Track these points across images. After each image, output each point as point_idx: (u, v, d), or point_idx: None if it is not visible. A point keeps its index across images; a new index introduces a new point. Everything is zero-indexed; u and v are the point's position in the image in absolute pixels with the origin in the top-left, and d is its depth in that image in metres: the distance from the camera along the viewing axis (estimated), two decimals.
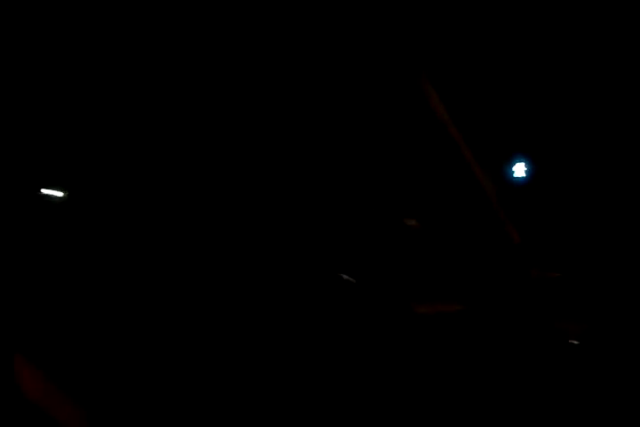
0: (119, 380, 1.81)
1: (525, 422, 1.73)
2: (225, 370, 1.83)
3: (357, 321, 1.91)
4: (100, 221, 1.93)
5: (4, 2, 1.99)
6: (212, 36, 2.05)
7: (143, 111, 2.02)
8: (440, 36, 2.08)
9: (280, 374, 1.81)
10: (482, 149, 1.98)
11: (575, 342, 1.79)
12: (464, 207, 1.94)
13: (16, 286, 1.85)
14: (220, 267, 1.91)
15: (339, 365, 1.85)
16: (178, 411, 1.81)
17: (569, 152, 2.03)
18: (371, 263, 2.00)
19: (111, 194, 1.98)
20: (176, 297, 1.87)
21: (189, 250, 1.93)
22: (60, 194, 1.93)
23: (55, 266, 1.92)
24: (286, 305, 1.89)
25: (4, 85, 1.98)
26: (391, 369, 1.86)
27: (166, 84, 2.03)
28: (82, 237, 1.92)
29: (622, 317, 1.78)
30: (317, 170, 2.04)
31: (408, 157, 2.03)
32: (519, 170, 2.07)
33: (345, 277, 1.91)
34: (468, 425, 1.78)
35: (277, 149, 2.04)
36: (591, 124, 2.08)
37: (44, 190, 1.95)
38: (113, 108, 2.02)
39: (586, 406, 1.75)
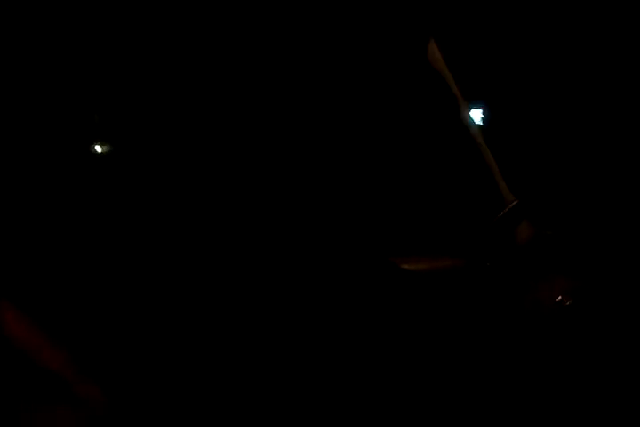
0: (108, 327, 1.80)
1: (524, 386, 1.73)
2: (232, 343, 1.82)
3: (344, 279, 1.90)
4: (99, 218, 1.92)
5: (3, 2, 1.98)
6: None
7: (142, 111, 2.01)
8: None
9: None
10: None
11: (565, 299, 1.78)
12: (457, 161, 1.92)
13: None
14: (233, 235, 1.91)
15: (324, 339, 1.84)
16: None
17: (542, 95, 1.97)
18: (356, 216, 1.98)
19: (109, 193, 1.97)
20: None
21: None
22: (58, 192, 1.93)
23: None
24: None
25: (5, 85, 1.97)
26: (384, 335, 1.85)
27: (166, 83, 2.01)
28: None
29: (616, 275, 1.76)
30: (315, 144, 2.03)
31: (407, 119, 2.00)
32: (478, 117, 1.93)
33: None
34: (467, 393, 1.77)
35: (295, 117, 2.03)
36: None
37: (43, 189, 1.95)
38: (112, 108, 2.01)
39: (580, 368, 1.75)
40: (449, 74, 1.98)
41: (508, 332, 1.82)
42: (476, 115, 1.97)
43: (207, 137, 1.92)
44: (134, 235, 1.84)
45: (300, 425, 1.71)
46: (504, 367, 1.81)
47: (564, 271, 1.83)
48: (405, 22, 2.00)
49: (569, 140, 2.00)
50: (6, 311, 1.80)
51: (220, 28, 1.99)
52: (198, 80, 1.94)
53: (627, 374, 1.76)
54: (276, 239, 1.89)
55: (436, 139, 2.01)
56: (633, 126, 2.02)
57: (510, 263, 1.86)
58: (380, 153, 2.00)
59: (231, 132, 1.97)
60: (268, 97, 1.99)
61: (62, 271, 1.83)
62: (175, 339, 1.79)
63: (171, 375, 1.76)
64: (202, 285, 1.81)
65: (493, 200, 1.91)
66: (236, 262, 1.87)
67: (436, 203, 1.99)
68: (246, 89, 1.99)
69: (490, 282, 1.85)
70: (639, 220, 1.88)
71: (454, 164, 1.99)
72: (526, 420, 1.78)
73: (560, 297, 1.80)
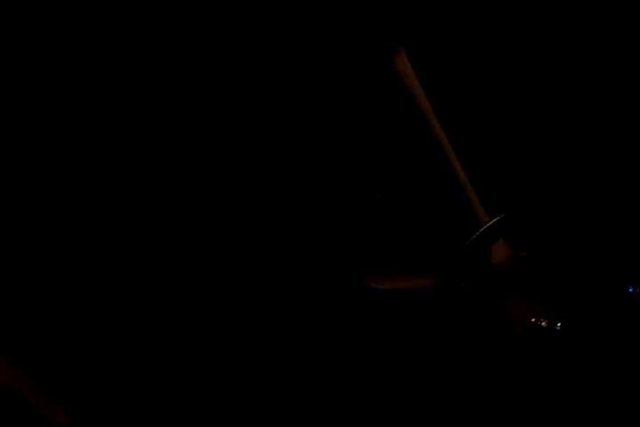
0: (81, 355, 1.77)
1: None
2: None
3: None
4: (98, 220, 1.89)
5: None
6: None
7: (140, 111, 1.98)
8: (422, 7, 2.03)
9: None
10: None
11: (540, 321, 1.78)
12: (429, 181, 1.90)
13: None
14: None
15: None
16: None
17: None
18: (331, 235, 1.96)
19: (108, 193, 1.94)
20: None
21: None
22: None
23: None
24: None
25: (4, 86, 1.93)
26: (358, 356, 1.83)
27: (164, 83, 1.99)
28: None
29: (592, 296, 1.75)
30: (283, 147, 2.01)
31: (378, 134, 1.98)
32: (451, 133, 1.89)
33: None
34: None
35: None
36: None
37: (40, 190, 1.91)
38: (110, 108, 1.98)
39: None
40: (419, 87, 1.96)
41: (482, 353, 1.81)
42: (449, 130, 1.95)
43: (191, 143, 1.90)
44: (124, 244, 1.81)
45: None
46: (479, 388, 1.81)
47: (539, 292, 1.83)
48: (374, 33, 1.98)
49: (545, 158, 2.00)
50: None
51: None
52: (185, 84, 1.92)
53: (602, 395, 1.76)
54: (255, 256, 1.86)
55: (409, 158, 1.99)
56: (608, 147, 2.02)
57: (485, 284, 1.85)
58: (349, 172, 1.98)
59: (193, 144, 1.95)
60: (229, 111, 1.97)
61: (28, 289, 1.79)
62: (142, 358, 1.76)
63: (137, 396, 1.73)
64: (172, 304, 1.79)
65: (467, 220, 1.90)
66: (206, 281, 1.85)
67: (409, 223, 1.97)
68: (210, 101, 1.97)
69: (465, 302, 1.84)
70: (615, 240, 1.88)
71: (426, 183, 1.97)
72: None
73: (535, 318, 1.80)
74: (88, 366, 1.75)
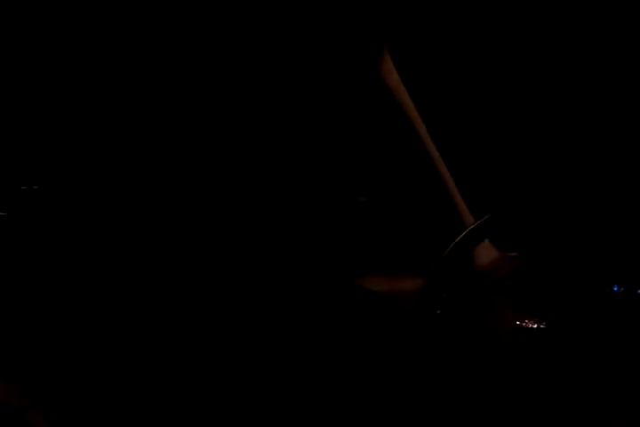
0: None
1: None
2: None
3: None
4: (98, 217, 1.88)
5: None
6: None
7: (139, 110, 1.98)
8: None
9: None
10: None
11: (527, 323, 1.77)
12: (416, 183, 1.90)
13: None
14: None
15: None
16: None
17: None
18: (319, 237, 1.96)
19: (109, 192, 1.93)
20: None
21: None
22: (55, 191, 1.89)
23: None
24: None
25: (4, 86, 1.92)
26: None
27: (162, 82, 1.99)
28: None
29: (579, 297, 1.75)
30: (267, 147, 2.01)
31: (361, 134, 1.99)
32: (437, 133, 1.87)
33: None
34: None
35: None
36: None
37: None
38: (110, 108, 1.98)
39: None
40: (403, 88, 1.96)
41: (468, 356, 1.81)
42: (433, 131, 1.95)
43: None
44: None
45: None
46: (464, 391, 1.80)
47: (524, 293, 1.83)
48: (358, 35, 1.98)
49: (530, 159, 2.00)
50: None
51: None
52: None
53: (589, 392, 1.76)
54: (243, 258, 1.86)
55: (393, 159, 1.99)
56: (594, 148, 2.03)
57: (470, 285, 1.85)
58: (333, 174, 1.98)
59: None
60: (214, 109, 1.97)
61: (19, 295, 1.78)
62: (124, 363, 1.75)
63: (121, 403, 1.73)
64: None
65: (452, 221, 1.90)
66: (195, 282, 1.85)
67: (394, 224, 1.97)
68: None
69: (451, 305, 1.84)
70: (600, 240, 1.88)
71: (411, 184, 1.98)
72: None
73: (520, 320, 1.80)
74: (78, 376, 1.75)
